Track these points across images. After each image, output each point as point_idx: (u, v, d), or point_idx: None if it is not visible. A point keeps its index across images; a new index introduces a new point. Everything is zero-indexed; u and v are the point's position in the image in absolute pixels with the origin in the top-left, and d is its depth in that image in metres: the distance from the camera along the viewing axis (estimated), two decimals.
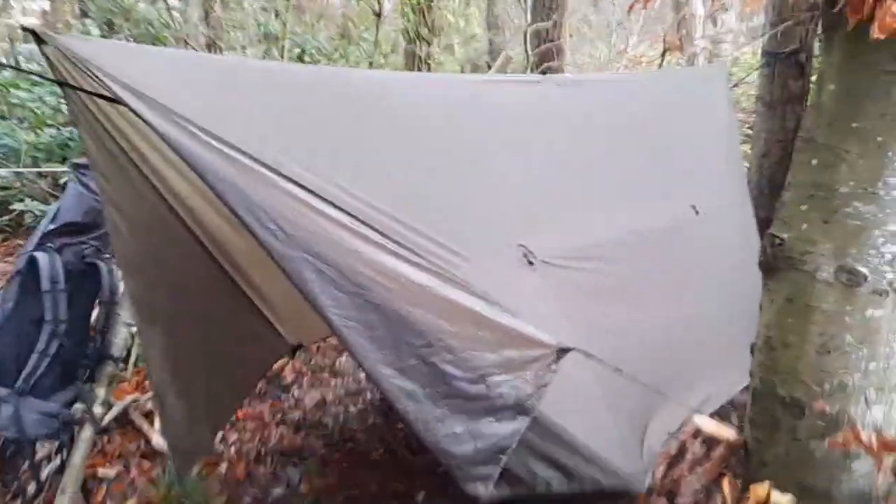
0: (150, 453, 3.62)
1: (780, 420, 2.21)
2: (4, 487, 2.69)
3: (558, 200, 2.97)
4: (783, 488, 2.19)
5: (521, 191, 2.82)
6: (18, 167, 6.54)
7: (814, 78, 4.06)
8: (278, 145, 1.97)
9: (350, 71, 3.20)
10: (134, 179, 2.29)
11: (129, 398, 3.69)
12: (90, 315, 2.80)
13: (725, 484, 2.38)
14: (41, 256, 2.56)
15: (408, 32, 9.73)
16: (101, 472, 3.41)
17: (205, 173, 1.80)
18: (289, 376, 4.74)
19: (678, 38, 10.76)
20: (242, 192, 1.84)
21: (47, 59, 1.77)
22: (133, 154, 2.24)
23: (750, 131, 6.51)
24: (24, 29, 1.72)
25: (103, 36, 7.74)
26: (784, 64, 4.91)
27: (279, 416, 4.26)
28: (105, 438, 3.69)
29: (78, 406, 2.68)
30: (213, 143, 1.81)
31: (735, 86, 9.46)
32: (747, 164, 6.10)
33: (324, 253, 1.94)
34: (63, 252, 2.66)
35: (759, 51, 5.46)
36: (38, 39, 1.71)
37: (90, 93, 1.85)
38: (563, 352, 2.17)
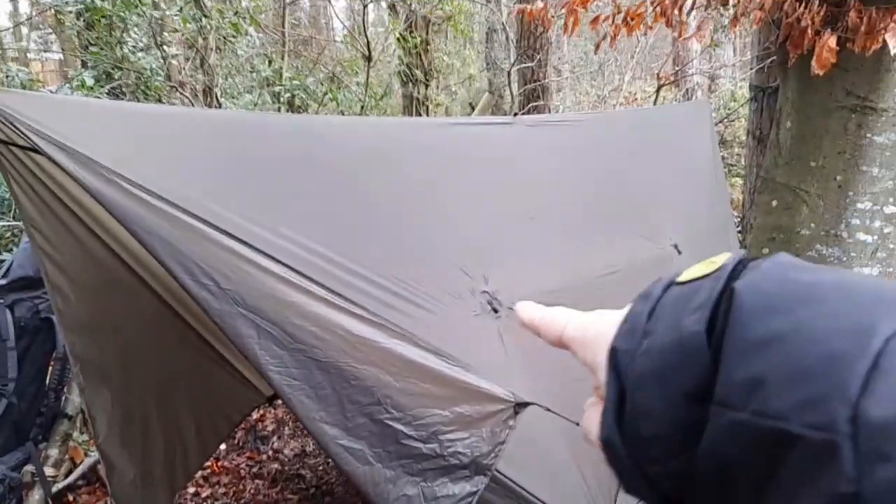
0: None
1: None
2: None
3: (528, 243, 2.88)
4: None
5: (486, 235, 2.73)
6: (9, 219, 6.55)
7: None
8: (211, 193, 1.91)
9: (298, 116, 3.17)
10: (77, 234, 2.22)
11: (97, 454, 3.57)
12: (45, 372, 2.71)
13: None
14: None
15: (402, 75, 9.84)
16: None
17: (131, 225, 1.73)
18: (270, 425, 4.61)
19: (673, 74, 10.82)
20: (172, 245, 1.77)
21: None
22: (76, 208, 2.19)
23: None
24: None
25: (98, 85, 7.84)
26: (772, 98, 4.85)
27: (256, 468, 4.12)
28: (71, 496, 3.57)
29: (27, 468, 2.57)
30: (140, 193, 1.75)
31: (721, 121, 9.44)
32: (742, 197, 6.01)
33: (261, 307, 1.85)
34: (16, 308, 2.59)
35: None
36: None
37: (12, 144, 1.80)
38: (520, 406, 2.06)
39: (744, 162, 8.73)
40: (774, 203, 1.90)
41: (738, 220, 4.96)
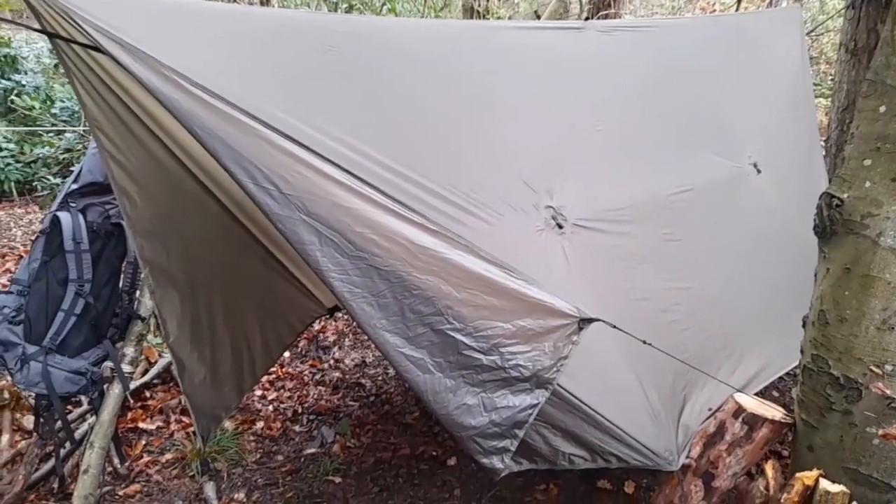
0: None
1: (832, 402, 1.98)
2: (41, 440, 2.78)
3: (596, 156, 2.74)
4: (833, 477, 1.98)
5: (551, 147, 2.61)
6: (79, 128, 6.76)
7: None
8: (272, 97, 1.85)
9: (360, 18, 3.03)
10: (142, 139, 2.22)
11: None
12: (118, 275, 2.80)
13: (769, 468, 2.18)
14: (63, 216, 2.55)
15: None
16: (141, 425, 3.51)
17: (192, 127, 1.70)
18: (330, 337, 4.75)
19: None
20: (234, 149, 1.73)
21: (31, 7, 1.69)
22: (140, 112, 2.17)
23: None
24: None
25: None
26: (872, 5, 4.37)
27: (318, 375, 4.27)
28: (147, 393, 3.80)
29: (107, 364, 2.71)
30: (203, 95, 1.70)
31: (811, 31, 8.67)
32: (826, 119, 5.57)
33: (323, 214, 1.82)
34: (87, 212, 2.65)
35: None
36: None
37: (74, 41, 1.77)
38: (585, 322, 2.00)
39: (830, 81, 8.06)
40: (883, 109, 1.70)
41: (823, 142, 4.60)
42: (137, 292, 2.85)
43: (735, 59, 3.57)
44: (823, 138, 4.97)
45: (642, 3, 13.36)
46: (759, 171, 3.37)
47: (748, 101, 3.54)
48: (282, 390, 4.09)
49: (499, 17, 9.86)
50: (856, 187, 1.82)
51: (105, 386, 2.74)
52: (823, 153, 4.31)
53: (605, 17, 5.27)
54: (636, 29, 3.31)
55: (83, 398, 3.19)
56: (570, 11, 9.84)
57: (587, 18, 4.19)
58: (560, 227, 2.44)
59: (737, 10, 7.95)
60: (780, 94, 3.76)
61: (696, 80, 3.33)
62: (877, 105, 1.74)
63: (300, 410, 3.86)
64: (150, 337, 3.93)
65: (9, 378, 2.69)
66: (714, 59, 3.47)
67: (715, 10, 10.48)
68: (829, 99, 5.84)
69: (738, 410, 2.20)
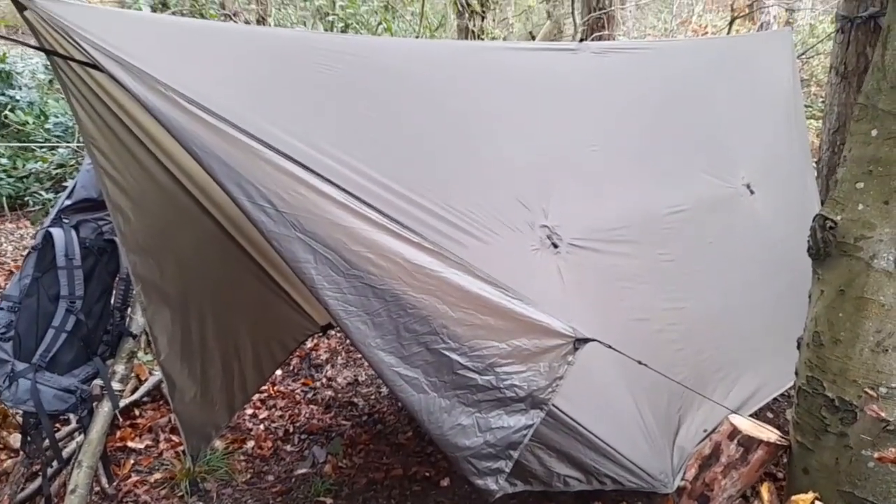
0: None
1: (827, 424, 1.97)
2: (28, 459, 2.74)
3: (591, 176, 2.75)
4: (828, 500, 1.97)
5: (546, 166, 2.62)
6: (73, 144, 6.75)
7: None
8: (269, 115, 1.85)
9: (356, 37, 3.05)
10: (137, 155, 2.22)
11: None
12: (110, 292, 2.78)
13: (764, 490, 2.17)
14: (56, 232, 2.53)
15: (457, 5, 9.48)
16: (130, 444, 3.46)
17: (189, 144, 1.70)
18: (323, 355, 4.71)
19: (748, 5, 10.12)
20: (230, 166, 1.73)
21: (29, 24, 1.70)
22: (136, 129, 2.17)
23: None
24: None
25: (154, 12, 7.84)
26: (861, 29, 4.42)
27: (310, 394, 4.23)
28: (137, 412, 3.75)
29: (96, 382, 2.68)
30: (199, 112, 1.71)
31: (802, 55, 8.79)
32: (817, 141, 5.63)
33: (319, 233, 1.82)
34: (80, 228, 2.63)
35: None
36: (18, 4, 1.63)
37: (70, 59, 1.77)
38: (580, 342, 2.00)
39: (821, 103, 8.17)
40: (874, 132, 1.72)
41: (815, 163, 4.65)
42: (129, 309, 2.82)
43: (728, 81, 3.61)
44: (815, 160, 5.02)
45: (635, 25, 13.56)
46: (752, 192, 3.40)
47: (741, 122, 3.57)
48: (273, 409, 4.05)
49: (493, 38, 9.96)
50: (849, 210, 1.84)
51: (94, 404, 2.70)
52: (815, 174, 4.35)
53: (599, 38, 5.33)
54: (630, 50, 3.34)
55: (72, 416, 3.15)
56: (564, 32, 9.96)
57: (581, 40, 4.24)
58: (555, 246, 2.44)
59: (728, 32, 8.06)
60: (773, 116, 3.80)
61: (690, 100, 3.36)
62: (868, 129, 1.76)
63: (291, 430, 3.81)
64: (140, 354, 3.89)
65: None
66: (707, 81, 3.50)
67: (707, 33, 10.64)
68: (820, 121, 5.91)
69: (734, 432, 2.19)
